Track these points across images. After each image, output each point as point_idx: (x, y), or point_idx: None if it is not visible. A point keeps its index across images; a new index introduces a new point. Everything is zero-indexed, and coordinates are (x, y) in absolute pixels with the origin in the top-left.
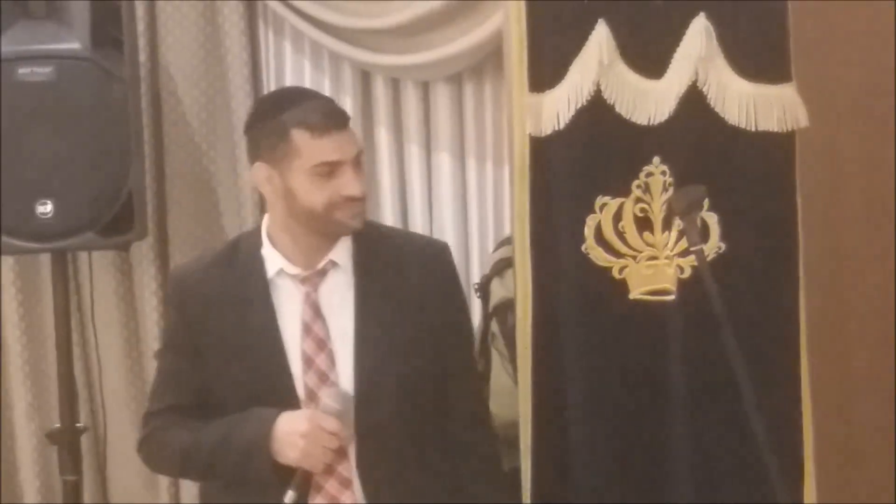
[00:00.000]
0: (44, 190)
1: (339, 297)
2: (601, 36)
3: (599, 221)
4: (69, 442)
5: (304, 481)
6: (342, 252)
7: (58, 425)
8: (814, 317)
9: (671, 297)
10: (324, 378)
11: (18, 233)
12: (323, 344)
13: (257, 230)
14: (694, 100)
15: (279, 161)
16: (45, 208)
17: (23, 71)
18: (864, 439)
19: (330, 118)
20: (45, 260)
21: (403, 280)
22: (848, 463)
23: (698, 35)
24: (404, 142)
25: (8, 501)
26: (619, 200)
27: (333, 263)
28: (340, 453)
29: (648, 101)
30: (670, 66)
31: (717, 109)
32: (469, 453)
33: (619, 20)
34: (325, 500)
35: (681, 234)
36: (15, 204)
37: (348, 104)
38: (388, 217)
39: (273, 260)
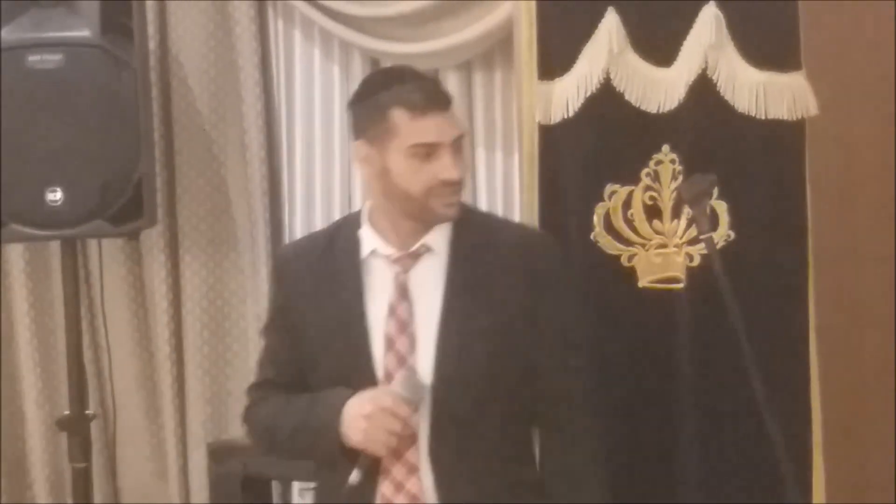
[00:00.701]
0: (53, 177)
1: (430, 281)
2: (611, 24)
3: (608, 209)
4: (79, 429)
5: (371, 463)
6: (439, 237)
7: (67, 412)
8: (823, 304)
9: (680, 286)
10: (402, 361)
11: (28, 220)
12: (405, 326)
13: (359, 212)
14: (703, 88)
15: (377, 140)
16: (55, 196)
17: (32, 58)
18: (873, 428)
19: (430, 99)
20: (55, 247)
21: (498, 271)
22: (856, 452)
23: (708, 23)
24: None
25: (18, 488)
26: (628, 188)
27: (427, 248)
28: (408, 438)
29: (658, 89)
30: (680, 53)
31: (726, 97)
32: (548, 460)
33: (628, 8)
34: (391, 485)
35: (690, 222)
36: (25, 191)
37: None
38: None
39: (369, 240)
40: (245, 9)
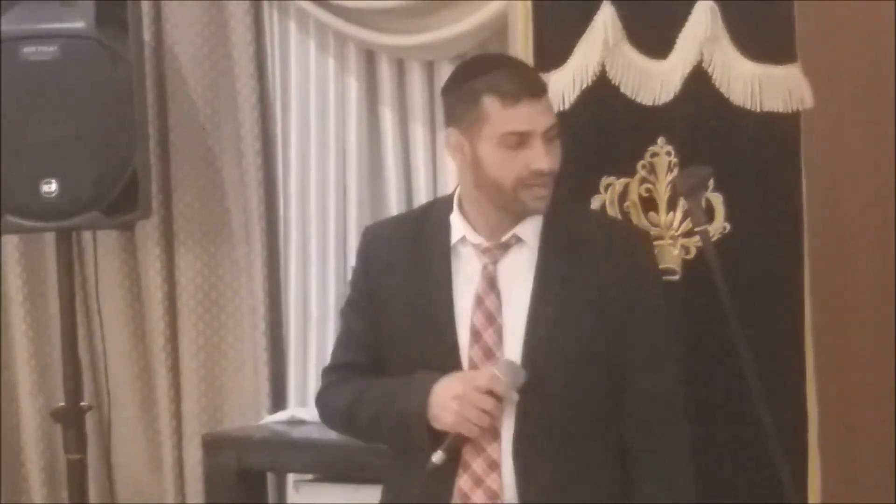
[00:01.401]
0: (48, 169)
1: (519, 273)
2: (606, 16)
3: (604, 202)
4: (73, 421)
5: (457, 445)
6: (529, 228)
7: (62, 404)
8: (819, 297)
9: (676, 278)
10: (489, 354)
11: (23, 212)
12: (493, 318)
13: (451, 195)
14: (699, 80)
15: (469, 128)
16: (50, 187)
17: (27, 50)
18: (869, 422)
19: (523, 87)
20: (50, 239)
21: (590, 266)
22: (853, 446)
23: (703, 15)
24: (409, 122)
25: (12, 479)
26: (624, 181)
27: (518, 239)
28: (491, 432)
29: (653, 81)
30: (675, 46)
31: (722, 90)
32: (638, 460)
33: (624, 1)
34: (469, 480)
35: (686, 214)
36: (19, 183)
37: (353, 84)
38: (393, 198)
39: (458, 227)
40: (240, 1)
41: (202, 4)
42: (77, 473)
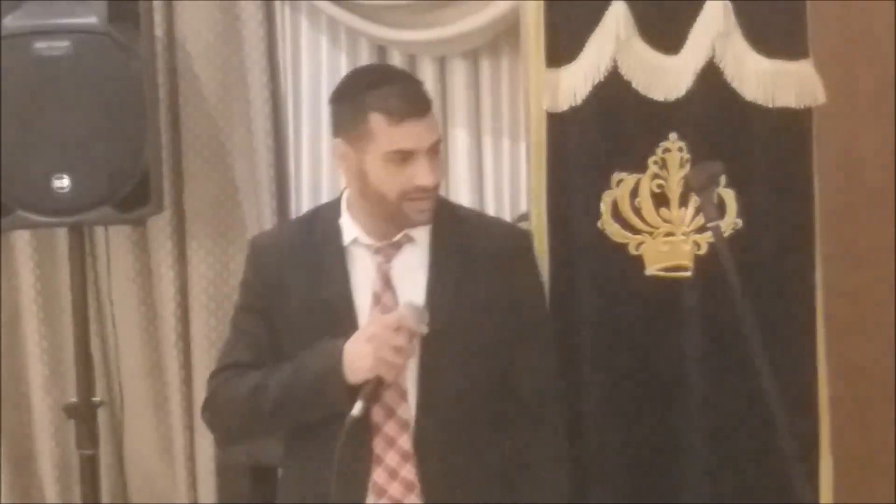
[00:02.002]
0: (60, 164)
1: (412, 271)
2: (618, 11)
3: (616, 197)
4: (86, 416)
5: (374, 393)
6: (420, 228)
7: (74, 399)
8: (830, 292)
9: (688, 274)
10: None
11: (35, 207)
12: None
13: (337, 201)
14: (711, 76)
15: (356, 141)
16: (62, 182)
17: (39, 45)
18: (880, 418)
19: (409, 105)
20: (62, 234)
21: (478, 262)
22: (864, 439)
23: (716, 11)
24: None
25: (25, 475)
26: (635, 176)
27: (409, 238)
28: (402, 424)
29: (665, 77)
30: (687, 41)
31: (734, 85)
32: (532, 441)
33: None
34: (384, 473)
35: (697, 210)
36: (32, 178)
37: None
38: None
39: (350, 229)
40: None
41: (214, 1)
42: (89, 469)
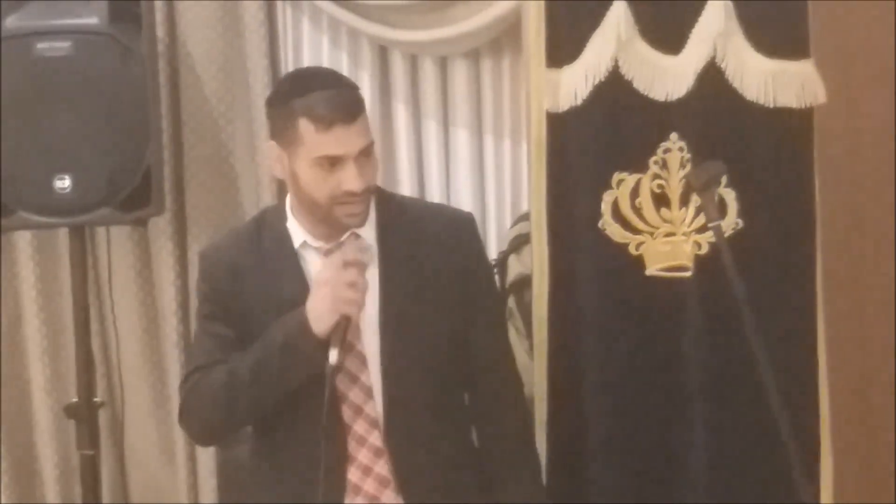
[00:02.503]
0: (62, 165)
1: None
2: (619, 11)
3: (616, 197)
4: (87, 416)
5: (343, 333)
6: (367, 225)
7: (75, 400)
8: (831, 292)
9: (688, 274)
10: (350, 346)
11: (36, 207)
12: None
13: (281, 205)
14: (712, 76)
15: (287, 145)
16: (63, 183)
17: (41, 46)
18: (881, 417)
19: (337, 111)
20: (63, 235)
21: (428, 251)
22: (865, 440)
23: (717, 11)
24: (422, 118)
25: (25, 475)
26: (636, 176)
27: (356, 236)
28: (371, 422)
29: (666, 77)
30: (688, 41)
31: (735, 85)
32: (497, 426)
33: None
34: (358, 471)
35: (698, 210)
36: (33, 179)
37: (366, 80)
38: (406, 193)
39: (297, 233)
40: None
41: (216, 1)
42: (90, 469)
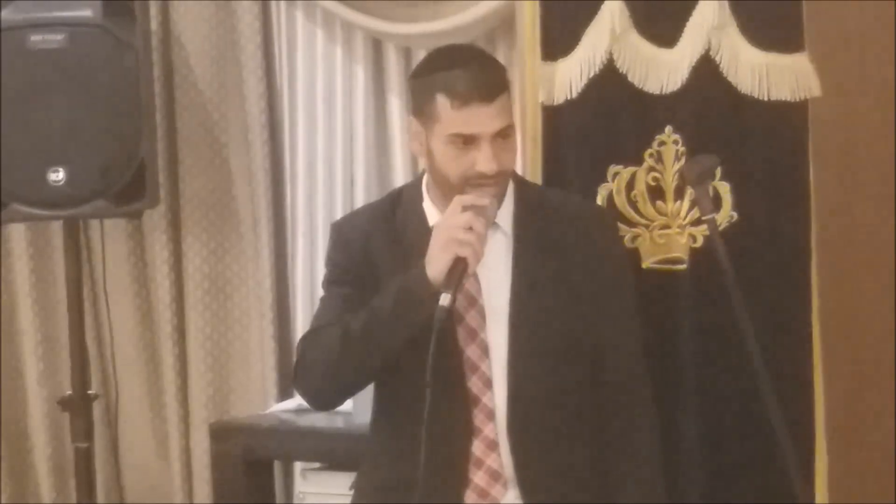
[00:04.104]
0: (56, 157)
1: (496, 256)
2: (613, 4)
3: (612, 190)
4: (81, 409)
5: (457, 276)
6: (504, 213)
7: (69, 392)
8: (826, 286)
9: (683, 267)
10: (473, 335)
11: (30, 200)
12: (474, 301)
13: (418, 183)
14: (706, 69)
15: (425, 121)
16: (57, 176)
17: (35, 38)
18: (876, 412)
19: (474, 89)
20: (57, 227)
21: (564, 242)
22: (860, 434)
23: (711, 4)
24: None
25: (19, 468)
26: (631, 169)
27: (493, 223)
28: (487, 411)
29: (661, 70)
30: (683, 34)
31: (729, 78)
32: (620, 422)
33: None
34: (469, 463)
35: (693, 203)
36: (27, 171)
37: (360, 73)
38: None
39: (432, 213)
40: None
41: None
42: (84, 462)
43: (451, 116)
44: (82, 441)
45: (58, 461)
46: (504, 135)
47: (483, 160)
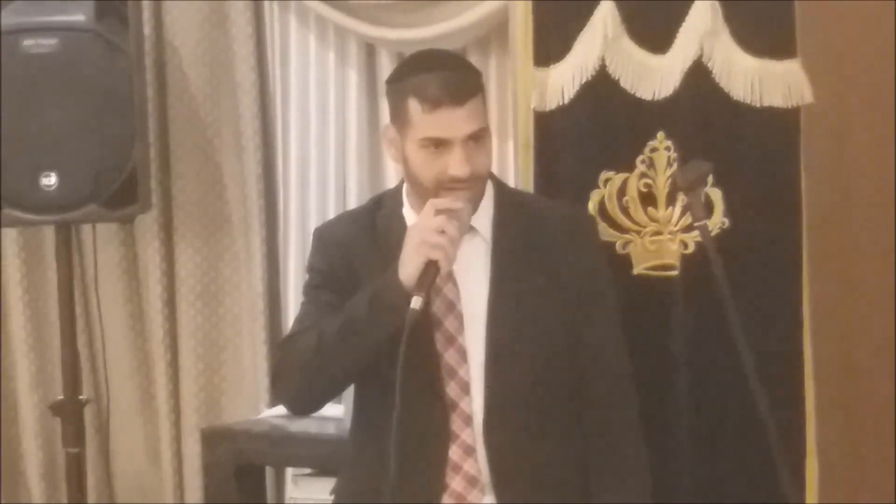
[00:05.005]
0: (48, 162)
1: (474, 261)
2: (606, 10)
3: (603, 196)
4: (72, 414)
5: (430, 279)
6: (482, 217)
7: (61, 397)
8: (818, 292)
9: (675, 273)
10: (451, 339)
11: (22, 204)
12: (452, 306)
13: (399, 189)
14: (699, 75)
15: (399, 126)
16: (49, 180)
17: (27, 42)
18: (867, 417)
19: (446, 92)
20: (49, 232)
21: (544, 246)
22: (851, 441)
23: (704, 10)
24: None
25: (10, 473)
26: (623, 175)
27: (471, 228)
28: (464, 417)
29: (653, 76)
30: (675, 40)
31: (722, 85)
32: (602, 432)
33: None
34: (447, 468)
35: (685, 209)
36: (19, 175)
37: (353, 78)
38: None
39: (411, 218)
40: None
41: None
42: (75, 467)
43: (422, 120)
44: (73, 446)
45: (49, 466)
46: (476, 137)
47: (455, 164)
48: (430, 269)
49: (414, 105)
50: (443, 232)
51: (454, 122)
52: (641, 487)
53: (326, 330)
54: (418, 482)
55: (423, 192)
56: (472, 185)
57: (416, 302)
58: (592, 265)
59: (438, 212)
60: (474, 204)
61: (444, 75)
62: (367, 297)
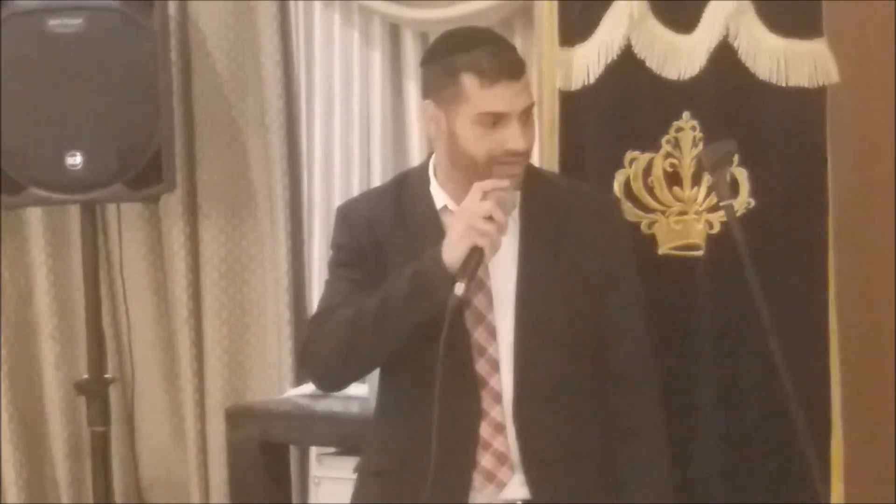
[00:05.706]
0: (73, 141)
1: (504, 240)
2: None
3: (629, 176)
4: (97, 393)
5: (473, 265)
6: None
7: (86, 376)
8: (842, 272)
9: (700, 253)
10: (481, 317)
11: (47, 184)
12: (482, 284)
13: (425, 166)
14: (724, 55)
15: (447, 103)
16: (75, 160)
17: (53, 22)
18: (893, 400)
19: (503, 67)
20: (74, 211)
21: (571, 228)
22: (876, 424)
23: None
24: None
25: (36, 452)
26: (648, 155)
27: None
28: (494, 394)
29: (679, 56)
30: (701, 20)
31: (747, 64)
32: (622, 414)
33: None
34: (479, 445)
35: (710, 189)
36: (44, 155)
37: (377, 58)
38: None
39: (439, 196)
40: None
41: None
42: (100, 446)
43: (479, 95)
44: (99, 425)
45: (74, 445)
46: (527, 114)
47: (513, 138)
48: (475, 256)
49: (470, 80)
50: (490, 218)
51: (512, 95)
52: (661, 483)
53: (364, 307)
54: (449, 458)
55: (472, 169)
56: (525, 159)
57: (459, 288)
58: (617, 249)
59: (486, 194)
60: (515, 184)
61: (497, 49)
62: (409, 276)
